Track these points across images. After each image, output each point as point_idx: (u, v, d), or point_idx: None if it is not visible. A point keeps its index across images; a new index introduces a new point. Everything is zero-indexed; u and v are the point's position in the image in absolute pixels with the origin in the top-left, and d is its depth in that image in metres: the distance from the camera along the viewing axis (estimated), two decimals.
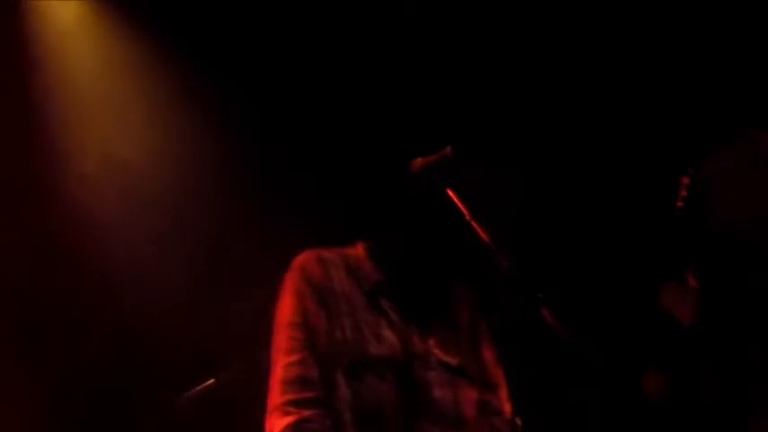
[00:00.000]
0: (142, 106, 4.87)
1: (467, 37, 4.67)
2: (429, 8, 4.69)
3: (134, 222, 4.78)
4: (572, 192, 4.65)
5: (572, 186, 4.66)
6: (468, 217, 2.59)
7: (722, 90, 4.42)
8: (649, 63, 4.64)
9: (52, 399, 4.62)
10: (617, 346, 3.32)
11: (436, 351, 2.78)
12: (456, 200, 2.62)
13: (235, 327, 4.49)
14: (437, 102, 4.26)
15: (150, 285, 4.72)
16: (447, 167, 2.70)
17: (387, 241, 2.90)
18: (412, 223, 2.84)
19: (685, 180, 3.36)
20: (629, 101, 4.66)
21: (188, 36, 4.80)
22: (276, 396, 2.66)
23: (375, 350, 2.70)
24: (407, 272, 2.86)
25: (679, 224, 3.39)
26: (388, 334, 2.74)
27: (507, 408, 2.85)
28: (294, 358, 2.68)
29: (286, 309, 2.75)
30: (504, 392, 2.88)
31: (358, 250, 2.91)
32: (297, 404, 2.62)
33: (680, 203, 3.36)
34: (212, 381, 4.25)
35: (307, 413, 2.61)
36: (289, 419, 2.61)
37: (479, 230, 2.56)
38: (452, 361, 2.80)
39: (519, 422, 2.79)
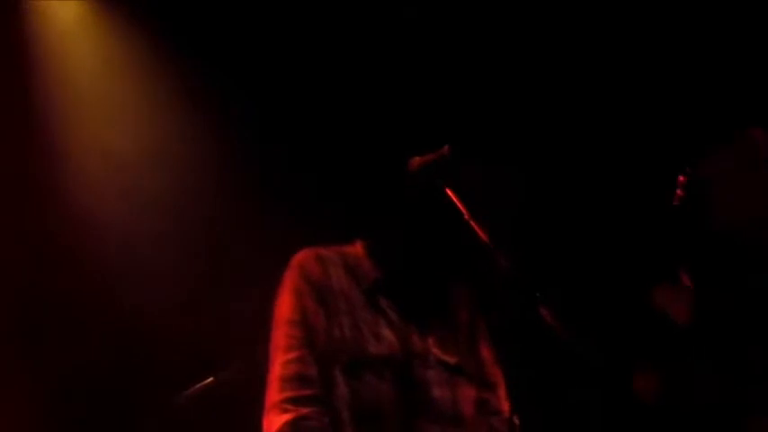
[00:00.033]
0: (142, 106, 4.87)
1: (466, 37, 4.67)
2: (429, 8, 4.68)
3: (134, 222, 4.77)
4: (570, 191, 4.65)
5: (570, 186, 4.65)
6: (466, 216, 2.58)
7: (721, 90, 4.42)
8: (648, 63, 4.63)
9: (52, 399, 4.62)
10: (612, 344, 3.32)
11: (435, 350, 2.79)
12: (454, 199, 2.62)
13: (235, 327, 4.49)
14: (437, 101, 4.26)
15: (150, 285, 4.71)
16: (445, 166, 2.70)
17: (385, 240, 2.91)
18: (410, 222, 2.84)
19: (681, 178, 3.35)
20: (628, 101, 4.65)
21: (188, 36, 4.80)
22: (274, 393, 2.66)
23: (374, 349, 2.70)
24: (406, 271, 2.87)
25: (674, 222, 3.39)
26: (386, 333, 2.74)
27: (505, 407, 2.86)
28: (292, 356, 2.68)
29: (284, 306, 2.76)
30: (502, 391, 2.88)
31: (357, 249, 2.92)
32: (295, 402, 2.63)
33: (676, 202, 3.36)
34: (211, 379, 4.25)
35: (304, 411, 2.61)
36: (286, 417, 2.61)
37: (478, 229, 2.56)
38: (451, 360, 2.80)
39: (517, 421, 2.79)
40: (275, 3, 4.80)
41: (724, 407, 3.19)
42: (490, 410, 2.85)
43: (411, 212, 2.83)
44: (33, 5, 4.67)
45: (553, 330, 2.38)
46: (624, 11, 4.60)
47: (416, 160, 2.74)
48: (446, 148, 2.72)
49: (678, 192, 3.35)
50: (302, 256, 2.83)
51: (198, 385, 4.27)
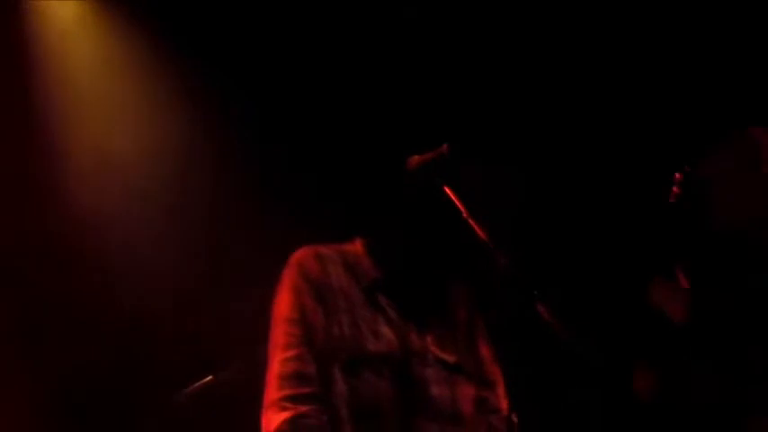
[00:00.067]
0: (142, 106, 4.87)
1: (466, 37, 4.67)
2: (429, 8, 4.69)
3: (134, 222, 4.78)
4: (569, 190, 4.65)
5: (569, 184, 4.66)
6: (464, 214, 2.59)
7: (720, 88, 4.42)
8: (646, 62, 4.63)
9: (52, 399, 4.62)
10: (609, 342, 3.32)
11: (433, 348, 2.78)
12: (453, 197, 2.62)
13: (235, 326, 4.48)
14: (437, 101, 4.26)
15: (150, 285, 4.72)
16: (444, 165, 2.70)
17: (385, 238, 2.91)
18: (410, 221, 2.84)
19: (678, 176, 3.35)
20: (626, 100, 4.65)
21: (188, 36, 4.80)
22: (273, 391, 2.66)
23: (372, 347, 2.70)
24: (405, 269, 2.86)
25: (671, 220, 3.39)
26: (385, 331, 2.74)
27: (504, 405, 2.85)
28: (291, 354, 2.68)
29: (283, 305, 2.75)
30: (501, 390, 2.88)
31: (356, 247, 2.92)
32: (293, 400, 2.62)
33: (672, 199, 3.36)
34: (210, 378, 4.25)
35: (303, 409, 2.61)
36: (285, 415, 2.60)
37: (476, 228, 2.56)
38: (450, 358, 2.80)
39: (515, 419, 2.79)
40: (275, 3, 4.80)
41: (724, 407, 3.19)
42: (489, 409, 2.85)
43: (410, 211, 2.83)
44: (33, 5, 4.67)
45: (551, 328, 2.38)
46: (623, 10, 4.60)
47: (415, 159, 2.74)
48: (445, 146, 2.72)
49: (674, 189, 3.35)
50: (301, 254, 2.83)
51: (197, 384, 4.27)
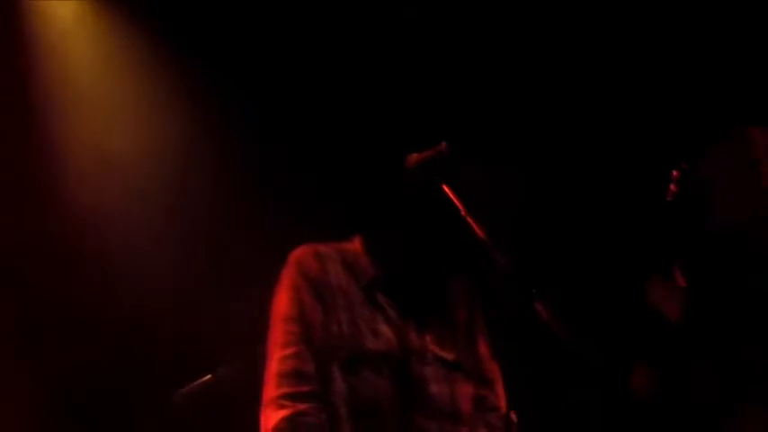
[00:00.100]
0: (142, 106, 4.87)
1: (465, 37, 4.67)
2: (429, 8, 4.69)
3: (134, 222, 4.78)
4: (567, 188, 4.65)
5: (567, 183, 4.66)
6: (463, 212, 2.58)
7: (718, 87, 4.42)
8: (645, 61, 4.64)
9: (52, 399, 4.62)
10: (607, 340, 3.32)
11: (432, 346, 2.78)
12: (451, 195, 2.62)
13: (235, 326, 4.48)
14: (438, 101, 4.26)
15: (150, 285, 4.72)
16: (442, 163, 2.70)
17: (384, 237, 2.91)
18: (408, 219, 2.84)
19: (675, 174, 3.35)
20: (625, 98, 4.65)
21: (188, 36, 4.80)
22: (271, 389, 2.66)
23: (371, 345, 2.70)
24: (404, 267, 2.86)
25: (668, 218, 3.39)
26: (384, 329, 2.74)
27: (503, 403, 2.85)
28: (290, 351, 2.68)
29: (282, 303, 2.76)
30: (500, 388, 2.88)
31: (355, 245, 2.92)
32: (292, 397, 2.63)
33: (669, 197, 3.35)
34: (209, 376, 4.25)
35: (302, 406, 2.61)
36: (283, 413, 2.61)
37: (475, 226, 2.56)
38: (448, 356, 2.80)
39: (514, 418, 2.79)
40: (275, 3, 4.80)
41: (723, 406, 3.18)
42: (488, 407, 2.85)
43: (409, 209, 2.82)
44: (33, 5, 4.68)
45: (549, 327, 2.38)
46: (622, 10, 4.60)
47: (414, 157, 2.74)
48: (443, 144, 2.72)
49: (672, 187, 3.35)
50: (300, 253, 2.83)
51: (195, 383, 4.27)
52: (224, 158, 4.89)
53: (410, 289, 2.84)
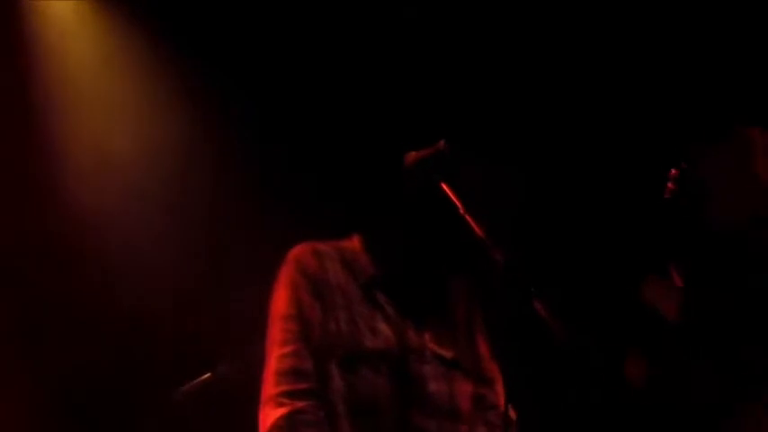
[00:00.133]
0: (142, 106, 4.87)
1: (465, 36, 4.67)
2: (429, 8, 4.69)
3: (134, 222, 4.78)
4: (566, 186, 4.65)
5: (566, 181, 4.65)
6: (462, 211, 2.58)
7: (718, 87, 4.42)
8: (643, 60, 4.64)
9: (52, 399, 4.62)
10: (604, 339, 3.31)
11: (431, 345, 2.78)
12: (450, 193, 2.62)
13: (235, 326, 4.48)
14: (437, 101, 4.26)
15: (150, 285, 4.72)
16: (441, 161, 2.70)
17: (382, 235, 2.90)
18: (407, 217, 2.84)
19: (674, 172, 3.35)
20: (623, 98, 4.65)
21: (188, 36, 4.80)
22: (270, 387, 2.66)
23: (370, 343, 2.69)
24: (403, 266, 2.86)
25: (666, 216, 3.39)
26: (383, 327, 2.74)
27: (502, 402, 2.84)
28: (288, 350, 2.68)
29: (281, 301, 2.76)
30: (499, 387, 2.88)
31: (354, 243, 2.92)
32: (290, 395, 2.62)
33: (667, 195, 3.35)
34: (208, 375, 4.25)
35: (300, 404, 2.61)
36: (282, 410, 2.60)
37: (473, 224, 2.56)
38: (447, 354, 2.79)
39: (513, 416, 2.79)
40: (275, 3, 4.80)
41: (723, 406, 3.18)
42: (487, 405, 2.85)
43: (408, 207, 2.82)
44: (33, 5, 4.68)
45: (547, 325, 2.38)
46: (621, 10, 4.60)
47: (412, 155, 2.74)
48: (442, 142, 2.72)
49: (669, 185, 3.35)
50: (299, 251, 2.83)
51: (195, 381, 4.27)
52: (224, 158, 4.90)
53: (409, 287, 2.84)
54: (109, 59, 4.83)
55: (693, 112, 4.34)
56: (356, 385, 2.64)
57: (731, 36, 4.49)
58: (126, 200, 4.78)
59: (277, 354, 2.68)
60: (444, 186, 2.64)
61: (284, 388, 2.63)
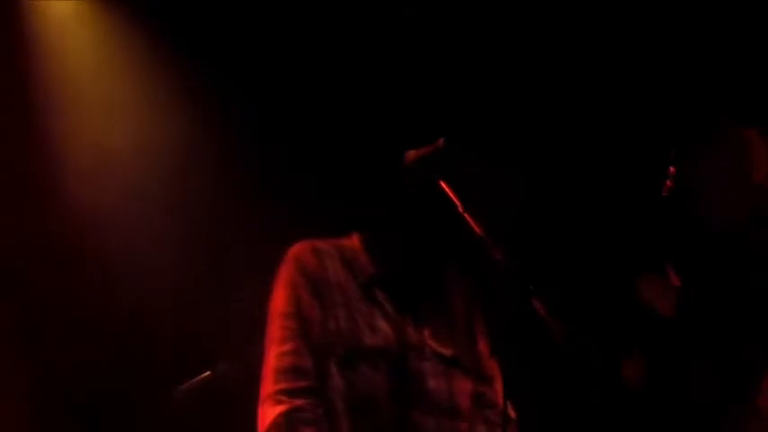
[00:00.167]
0: (142, 106, 4.87)
1: (464, 36, 4.68)
2: (429, 8, 4.69)
3: (134, 222, 4.78)
4: (565, 185, 4.65)
5: (565, 179, 4.66)
6: (460, 209, 2.58)
7: (714, 88, 4.42)
8: (642, 59, 4.64)
9: (52, 399, 4.62)
10: (602, 337, 3.32)
11: (431, 342, 2.78)
12: (448, 192, 2.62)
13: (235, 326, 4.48)
14: (437, 100, 4.26)
15: (150, 285, 4.72)
16: (440, 159, 2.70)
17: (382, 233, 2.91)
18: (407, 215, 2.84)
19: (672, 170, 3.36)
20: (621, 97, 4.66)
21: (188, 36, 4.81)
22: (269, 385, 2.66)
23: (369, 340, 2.69)
24: (402, 264, 2.86)
25: (662, 214, 3.39)
26: (382, 325, 2.74)
27: (502, 400, 2.84)
28: (287, 347, 2.68)
29: (280, 299, 2.76)
30: (498, 385, 2.88)
31: (353, 241, 2.92)
32: (289, 393, 2.63)
33: (665, 192, 3.36)
34: (208, 373, 4.25)
35: (299, 402, 2.61)
36: (281, 408, 2.61)
37: (472, 223, 2.56)
38: (447, 352, 2.79)
39: (513, 415, 2.79)
40: (275, 3, 4.80)
41: (723, 407, 3.18)
42: (486, 404, 2.84)
43: (407, 206, 2.82)
44: (33, 5, 4.68)
45: (546, 323, 2.38)
46: (621, 10, 4.61)
47: (411, 153, 2.74)
48: (441, 141, 2.73)
49: (668, 183, 3.35)
50: (298, 249, 2.83)
51: (194, 379, 4.27)
52: (224, 158, 4.90)
53: (408, 286, 2.84)
54: (109, 59, 4.83)
55: (690, 112, 4.34)
56: (355, 383, 2.65)
57: (728, 36, 4.49)
58: (126, 200, 4.78)
59: (276, 351, 2.68)
60: (443, 185, 2.64)
61: (283, 386, 2.63)
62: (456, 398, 2.76)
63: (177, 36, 4.81)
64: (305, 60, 4.83)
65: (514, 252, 2.50)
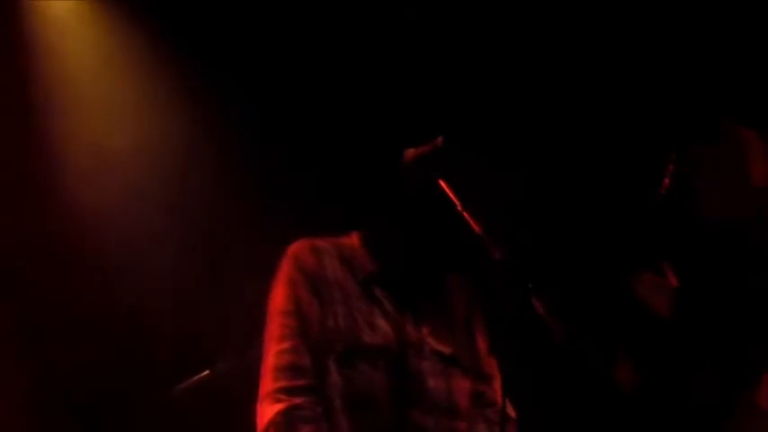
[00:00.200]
0: (142, 106, 4.88)
1: (464, 35, 4.68)
2: (429, 8, 4.69)
3: (134, 222, 4.78)
4: (563, 184, 4.65)
5: (563, 179, 4.66)
6: (459, 207, 2.58)
7: (714, 88, 4.42)
8: (641, 58, 4.64)
9: (52, 399, 4.62)
10: (600, 336, 3.32)
11: (429, 340, 2.78)
12: (447, 190, 2.62)
13: (234, 326, 4.48)
14: (437, 99, 4.26)
15: (150, 285, 4.72)
16: (439, 158, 2.70)
17: (381, 231, 2.91)
18: (406, 214, 2.84)
19: (671, 168, 3.35)
20: (620, 96, 4.66)
21: (188, 36, 4.81)
22: (267, 383, 2.66)
23: (368, 338, 2.69)
24: (402, 262, 2.86)
25: (661, 214, 3.39)
26: (381, 323, 2.73)
27: (501, 399, 2.84)
28: (286, 346, 2.68)
29: (279, 297, 2.76)
30: (497, 384, 2.87)
31: (352, 240, 2.92)
32: (288, 391, 2.62)
33: (662, 191, 3.35)
34: (207, 372, 4.25)
35: (297, 400, 2.61)
36: (279, 406, 2.61)
37: (471, 222, 2.56)
38: (446, 350, 2.79)
39: (512, 414, 2.79)
40: (275, 3, 4.81)
41: (723, 407, 3.18)
42: (485, 403, 2.84)
43: (406, 204, 2.82)
44: (33, 5, 4.68)
45: (545, 322, 2.38)
46: (619, 10, 4.61)
47: (410, 152, 2.74)
48: (440, 139, 2.73)
49: (666, 181, 3.35)
50: (297, 247, 2.83)
51: (193, 378, 4.27)
52: (224, 158, 4.90)
53: (407, 283, 2.84)
54: (109, 59, 4.83)
55: (690, 112, 4.34)
56: (354, 380, 2.64)
57: (728, 36, 4.49)
58: (126, 200, 4.79)
59: (275, 350, 2.68)
60: (442, 183, 2.64)
61: (282, 384, 2.63)
62: (455, 397, 2.75)
63: (177, 36, 4.81)
64: (305, 60, 4.83)
65: (513, 251, 2.50)
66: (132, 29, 4.84)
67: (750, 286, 3.24)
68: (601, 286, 4.18)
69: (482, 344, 2.92)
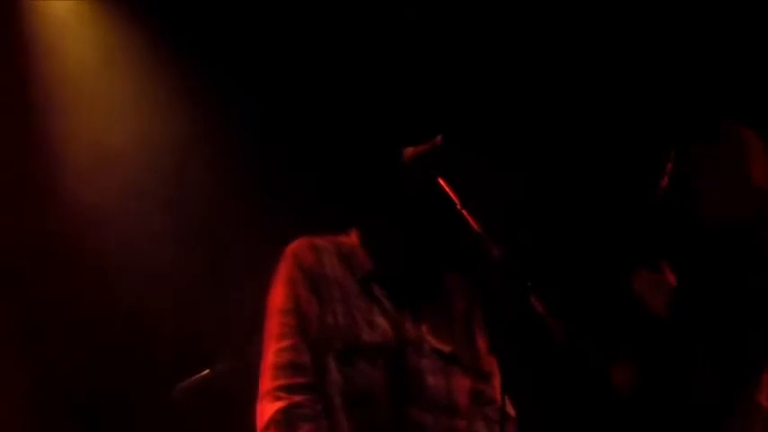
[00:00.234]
0: (142, 105, 4.88)
1: (464, 35, 4.68)
2: (429, 8, 4.70)
3: (134, 222, 4.79)
4: (562, 183, 4.65)
5: (562, 178, 4.66)
6: (458, 206, 2.59)
7: (713, 88, 4.42)
8: (642, 59, 4.64)
9: (52, 399, 4.62)
10: (599, 335, 3.32)
11: (429, 338, 2.78)
12: (446, 188, 2.63)
13: (234, 325, 4.48)
14: (437, 98, 4.26)
15: (149, 284, 4.73)
16: (438, 156, 2.70)
17: (380, 230, 2.91)
18: (405, 212, 2.84)
19: (670, 167, 3.36)
20: (619, 95, 4.66)
21: (188, 36, 4.81)
22: (267, 381, 2.66)
23: (367, 336, 2.69)
24: (401, 260, 2.86)
25: (660, 212, 3.39)
26: (380, 321, 2.73)
27: (500, 397, 2.84)
28: (285, 344, 2.67)
29: (278, 295, 2.76)
30: (497, 382, 2.87)
31: (352, 238, 2.92)
32: (287, 389, 2.62)
33: (661, 191, 3.36)
34: (207, 371, 4.25)
35: (297, 398, 2.61)
36: (279, 404, 2.60)
37: (470, 220, 2.56)
38: (445, 348, 2.79)
39: (511, 412, 2.79)
40: (275, 3, 4.81)
41: (723, 407, 3.18)
42: (485, 400, 2.84)
43: (405, 202, 2.82)
44: (33, 5, 4.69)
45: (544, 320, 2.38)
46: (619, 10, 4.61)
47: (410, 150, 2.74)
48: (439, 138, 2.73)
49: (665, 180, 3.35)
50: (296, 245, 2.83)
51: (193, 377, 4.27)
52: (224, 158, 4.90)
53: (407, 281, 2.84)
54: (109, 59, 4.84)
55: (688, 112, 4.34)
56: (353, 378, 2.64)
57: (728, 36, 4.49)
58: (126, 199, 4.79)
59: (274, 348, 2.68)
60: (441, 182, 2.64)
61: (281, 382, 2.63)
62: (454, 395, 2.75)
63: (177, 36, 4.82)
64: (304, 60, 4.83)
65: (513, 250, 2.50)
66: (132, 29, 4.84)
67: (750, 286, 3.24)
68: (600, 285, 4.18)
69: (482, 342, 2.92)
